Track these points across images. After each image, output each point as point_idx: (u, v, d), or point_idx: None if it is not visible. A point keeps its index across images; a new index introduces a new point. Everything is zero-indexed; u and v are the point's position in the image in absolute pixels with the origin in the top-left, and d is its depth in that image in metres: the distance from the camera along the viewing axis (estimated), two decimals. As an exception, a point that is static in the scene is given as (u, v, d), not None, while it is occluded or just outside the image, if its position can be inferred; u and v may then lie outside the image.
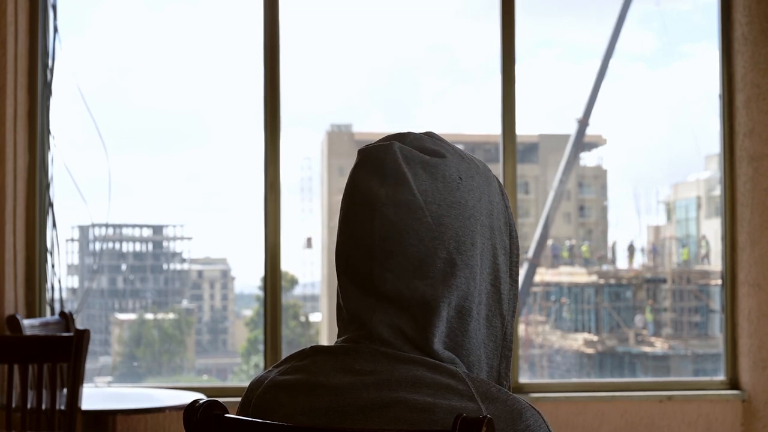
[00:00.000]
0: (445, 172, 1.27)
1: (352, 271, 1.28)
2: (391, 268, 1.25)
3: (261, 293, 4.96)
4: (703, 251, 9.65)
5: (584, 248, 9.93)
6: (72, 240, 9.52)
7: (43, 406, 3.30)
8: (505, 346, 1.33)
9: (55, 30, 4.53)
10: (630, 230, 10.07)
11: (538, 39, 10.08)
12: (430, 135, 1.33)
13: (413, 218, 1.24)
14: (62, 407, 3.38)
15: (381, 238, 1.25)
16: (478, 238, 1.28)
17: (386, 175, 1.26)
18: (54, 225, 4.49)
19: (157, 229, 11.23)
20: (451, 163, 1.28)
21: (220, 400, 1.29)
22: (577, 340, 9.67)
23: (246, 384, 4.96)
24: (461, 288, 1.26)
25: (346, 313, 1.31)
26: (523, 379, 4.66)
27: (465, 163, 1.30)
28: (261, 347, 4.77)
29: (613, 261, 9.83)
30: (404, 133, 1.32)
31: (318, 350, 1.30)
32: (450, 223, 1.25)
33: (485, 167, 1.34)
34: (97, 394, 4.12)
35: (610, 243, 10.12)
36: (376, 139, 1.34)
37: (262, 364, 4.69)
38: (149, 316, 10.98)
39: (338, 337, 1.32)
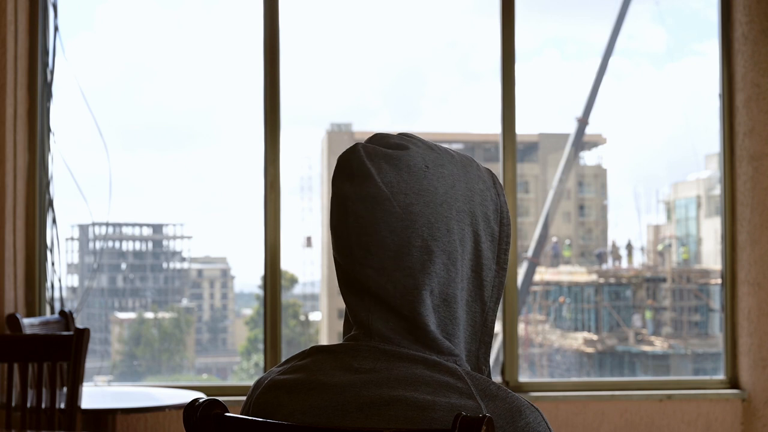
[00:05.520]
0: (409, 162, 1.28)
1: (343, 275, 1.31)
2: (371, 264, 1.26)
3: (261, 292, 4.97)
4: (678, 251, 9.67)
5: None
6: (72, 239, 9.53)
7: (43, 405, 3.31)
8: (485, 332, 1.33)
9: (56, 29, 4.53)
10: (630, 229, 10.07)
11: (539, 39, 10.08)
12: (401, 134, 1.35)
13: (382, 210, 1.26)
14: (62, 406, 3.38)
15: (356, 234, 1.27)
16: (455, 224, 1.28)
17: (353, 174, 1.28)
18: (54, 223, 4.49)
19: (157, 228, 11.24)
20: (415, 153, 1.29)
21: (220, 398, 1.30)
22: (577, 340, 9.68)
23: (245, 383, 4.97)
24: (440, 275, 1.26)
25: (350, 316, 1.33)
26: (523, 378, 4.66)
27: (434, 153, 1.31)
28: (261, 346, 4.77)
29: (615, 259, 9.82)
30: (373, 135, 1.36)
31: (318, 350, 1.31)
32: (420, 211, 1.26)
33: (465, 159, 1.35)
34: (97, 393, 4.12)
35: (609, 242, 10.12)
36: None
37: (261, 363, 4.70)
38: (149, 315, 10.99)
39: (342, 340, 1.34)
